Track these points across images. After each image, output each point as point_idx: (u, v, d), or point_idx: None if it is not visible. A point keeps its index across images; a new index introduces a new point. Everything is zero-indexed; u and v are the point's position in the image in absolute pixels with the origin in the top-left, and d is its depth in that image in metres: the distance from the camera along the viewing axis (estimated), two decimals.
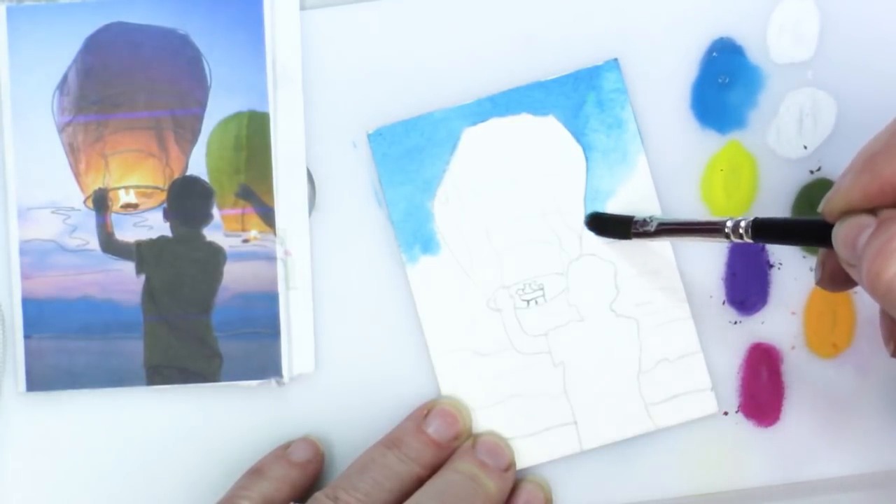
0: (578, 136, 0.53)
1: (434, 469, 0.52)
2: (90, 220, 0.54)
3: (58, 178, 0.54)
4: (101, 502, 0.54)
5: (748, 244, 0.49)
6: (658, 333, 0.53)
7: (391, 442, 0.52)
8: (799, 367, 0.53)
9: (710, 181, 0.53)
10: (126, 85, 0.54)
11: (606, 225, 0.53)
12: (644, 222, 0.51)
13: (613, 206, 0.53)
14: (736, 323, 0.53)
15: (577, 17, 0.53)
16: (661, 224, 0.51)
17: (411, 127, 0.53)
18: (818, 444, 0.53)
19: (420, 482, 0.51)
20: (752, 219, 0.47)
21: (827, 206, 0.45)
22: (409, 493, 0.50)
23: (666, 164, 0.53)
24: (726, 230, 0.47)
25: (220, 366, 0.53)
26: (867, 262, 0.43)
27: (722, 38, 0.53)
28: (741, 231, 0.47)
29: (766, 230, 0.47)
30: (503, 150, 0.53)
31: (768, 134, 0.53)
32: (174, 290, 0.53)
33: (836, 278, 0.47)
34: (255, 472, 0.52)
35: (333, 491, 0.50)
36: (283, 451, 0.53)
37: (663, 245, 0.53)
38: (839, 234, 0.44)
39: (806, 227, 0.46)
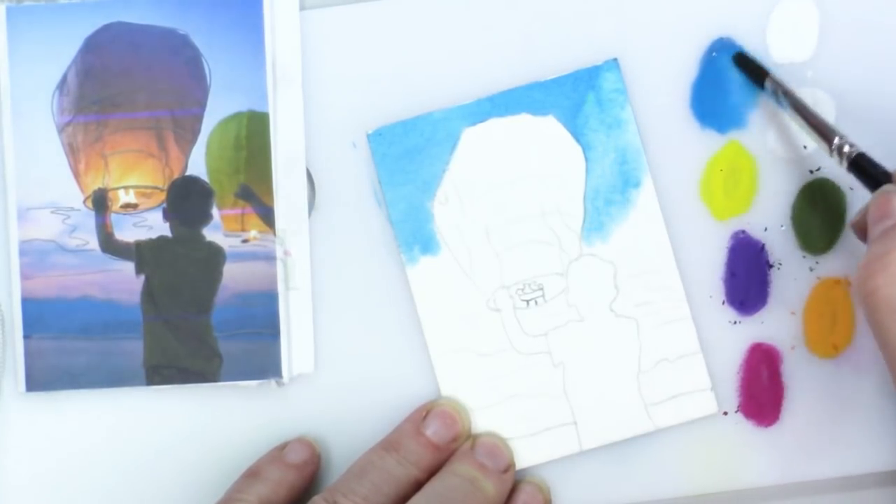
0: (578, 136, 0.53)
1: (433, 471, 0.51)
2: (90, 220, 0.54)
3: (57, 178, 0.54)
4: (101, 502, 0.54)
5: (753, 240, 0.50)
6: (658, 333, 0.53)
7: (390, 445, 0.52)
8: (799, 367, 0.53)
9: (709, 181, 0.53)
10: (126, 85, 0.54)
11: (747, 66, 0.53)
12: (778, 84, 0.52)
13: (613, 207, 0.53)
14: (736, 323, 0.53)
15: (577, 17, 0.53)
16: (788, 95, 0.51)
17: (411, 127, 0.53)
18: (818, 444, 0.53)
19: (418, 485, 0.51)
20: (858, 152, 0.49)
21: None
22: (407, 496, 0.50)
23: (666, 164, 0.53)
24: (833, 144, 0.49)
25: (219, 366, 0.53)
26: (863, 261, 0.43)
27: (722, 38, 0.53)
28: (844, 153, 0.49)
29: (862, 171, 0.49)
30: (503, 150, 0.53)
31: (768, 134, 0.53)
32: (174, 290, 0.53)
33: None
34: (252, 475, 0.52)
35: (332, 495, 0.50)
36: (279, 453, 0.53)
37: (663, 245, 0.53)
38: (874, 200, 0.46)
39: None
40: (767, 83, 0.52)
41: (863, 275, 0.45)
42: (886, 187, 0.47)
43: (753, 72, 0.53)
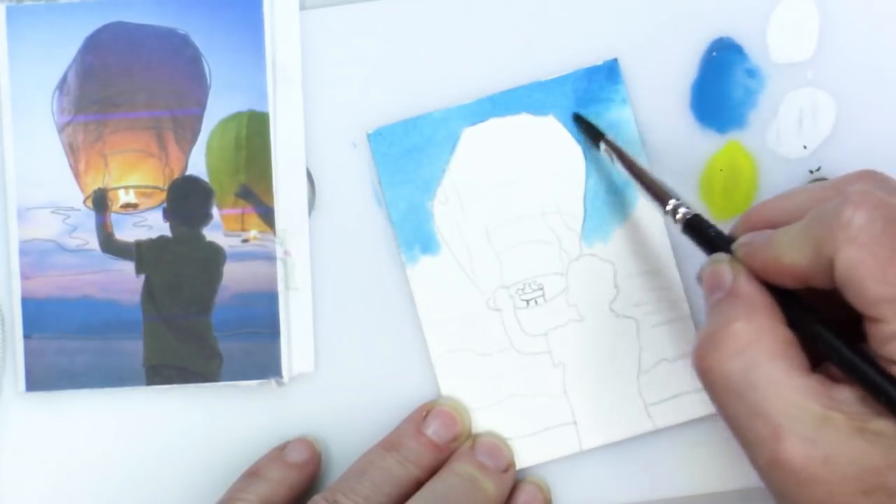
0: (578, 135, 0.53)
1: (433, 471, 0.51)
2: (90, 220, 0.54)
3: (58, 178, 0.54)
4: (101, 502, 0.54)
5: None
6: (658, 333, 0.53)
7: (390, 444, 0.52)
8: None
9: (709, 181, 0.53)
10: (126, 85, 0.54)
11: (585, 127, 0.53)
12: (612, 147, 0.51)
13: (613, 207, 0.53)
14: None
15: (577, 17, 0.53)
16: (623, 158, 0.51)
17: (411, 127, 0.53)
18: None
19: (419, 485, 0.51)
20: (693, 214, 0.47)
21: (744, 226, 0.46)
22: (407, 495, 0.50)
23: (665, 164, 0.53)
24: (668, 207, 0.48)
25: (219, 366, 0.53)
26: (700, 335, 0.44)
27: (722, 38, 0.53)
28: (678, 216, 0.48)
29: (697, 233, 0.47)
30: (503, 150, 0.53)
31: (768, 134, 0.53)
32: (174, 290, 0.53)
33: None
34: (252, 475, 0.52)
35: (332, 494, 0.50)
36: (279, 453, 0.53)
37: (663, 245, 0.53)
38: (705, 270, 0.45)
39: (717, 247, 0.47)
40: (602, 145, 0.52)
41: (698, 351, 0.44)
42: (717, 256, 0.46)
43: (589, 133, 0.52)
